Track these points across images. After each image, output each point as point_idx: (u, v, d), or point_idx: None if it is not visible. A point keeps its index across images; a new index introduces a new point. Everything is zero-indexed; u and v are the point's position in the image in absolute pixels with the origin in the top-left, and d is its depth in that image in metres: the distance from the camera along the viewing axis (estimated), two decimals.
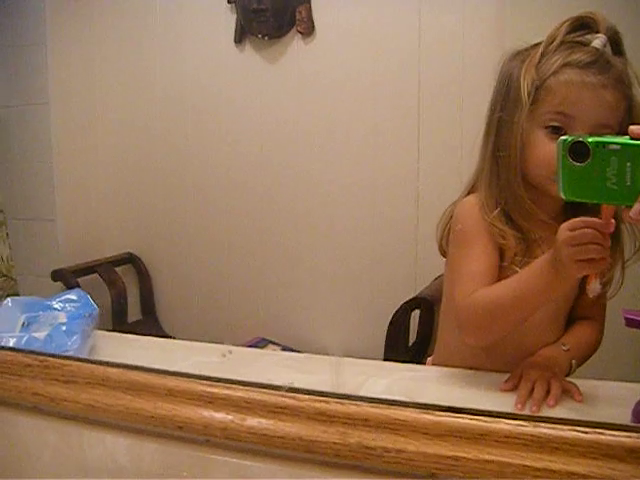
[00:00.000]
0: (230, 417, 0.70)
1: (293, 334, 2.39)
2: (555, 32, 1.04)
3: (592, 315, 1.16)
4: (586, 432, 0.59)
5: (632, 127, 0.69)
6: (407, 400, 0.64)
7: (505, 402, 0.93)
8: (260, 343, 2.39)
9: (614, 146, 0.69)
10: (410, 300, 1.87)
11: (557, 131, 1.00)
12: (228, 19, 2.34)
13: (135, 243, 2.62)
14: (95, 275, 2.48)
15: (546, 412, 0.90)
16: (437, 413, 0.63)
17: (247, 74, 2.35)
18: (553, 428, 0.60)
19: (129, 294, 2.56)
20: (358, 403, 0.66)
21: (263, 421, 0.68)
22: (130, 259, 2.63)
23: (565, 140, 0.73)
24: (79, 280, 2.37)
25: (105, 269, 2.50)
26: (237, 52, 2.35)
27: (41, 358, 0.79)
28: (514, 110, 1.03)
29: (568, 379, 0.98)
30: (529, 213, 1.05)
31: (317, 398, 0.67)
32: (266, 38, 2.30)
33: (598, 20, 1.02)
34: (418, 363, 1.32)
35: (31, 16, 2.36)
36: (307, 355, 1.79)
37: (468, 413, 0.62)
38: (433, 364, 1.26)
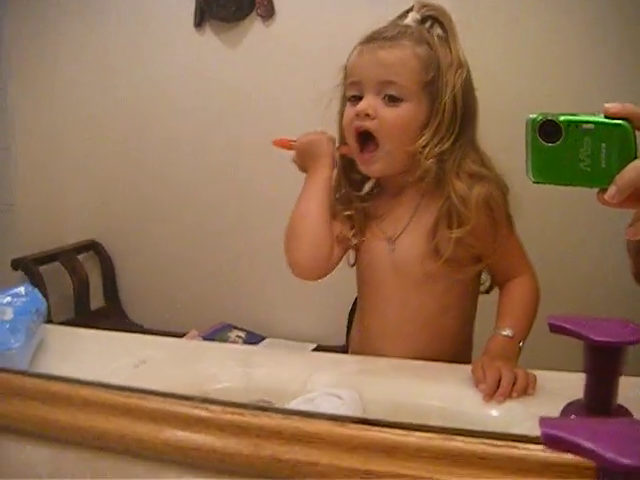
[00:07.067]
0: (145, 429, 0.68)
1: (259, 319, 2.37)
2: None
3: (517, 272, 1.14)
4: (498, 445, 0.58)
5: (607, 105, 0.64)
6: (320, 412, 0.63)
7: (453, 394, 0.92)
8: (225, 329, 2.37)
9: (588, 125, 0.65)
10: None
11: (355, 100, 1.12)
12: (188, 2, 2.29)
13: (98, 229, 2.58)
14: (57, 263, 2.44)
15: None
16: (350, 426, 0.62)
17: (207, 58, 2.31)
18: (464, 442, 0.58)
19: (92, 281, 2.52)
20: (272, 415, 0.64)
21: (178, 433, 0.67)
22: (92, 246, 2.58)
23: (535, 119, 0.67)
24: (40, 268, 2.34)
25: (67, 257, 2.46)
26: (197, 36, 2.31)
27: None
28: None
29: (530, 371, 0.94)
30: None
31: (230, 410, 0.65)
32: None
33: (415, 5, 1.14)
34: None
35: None
36: (253, 347, 1.79)
37: (381, 426, 0.61)
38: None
